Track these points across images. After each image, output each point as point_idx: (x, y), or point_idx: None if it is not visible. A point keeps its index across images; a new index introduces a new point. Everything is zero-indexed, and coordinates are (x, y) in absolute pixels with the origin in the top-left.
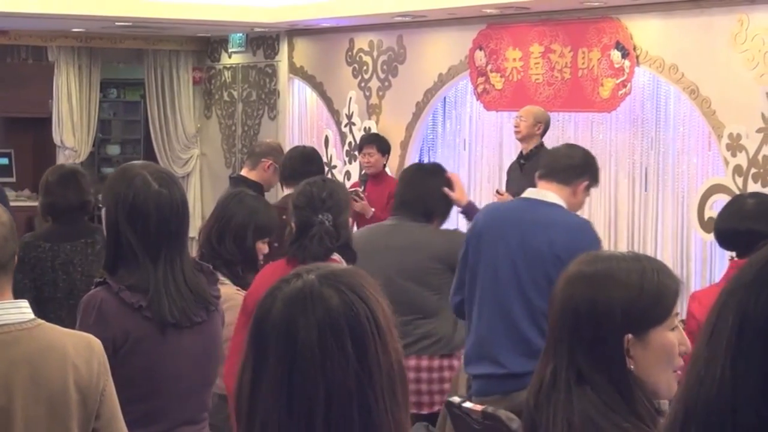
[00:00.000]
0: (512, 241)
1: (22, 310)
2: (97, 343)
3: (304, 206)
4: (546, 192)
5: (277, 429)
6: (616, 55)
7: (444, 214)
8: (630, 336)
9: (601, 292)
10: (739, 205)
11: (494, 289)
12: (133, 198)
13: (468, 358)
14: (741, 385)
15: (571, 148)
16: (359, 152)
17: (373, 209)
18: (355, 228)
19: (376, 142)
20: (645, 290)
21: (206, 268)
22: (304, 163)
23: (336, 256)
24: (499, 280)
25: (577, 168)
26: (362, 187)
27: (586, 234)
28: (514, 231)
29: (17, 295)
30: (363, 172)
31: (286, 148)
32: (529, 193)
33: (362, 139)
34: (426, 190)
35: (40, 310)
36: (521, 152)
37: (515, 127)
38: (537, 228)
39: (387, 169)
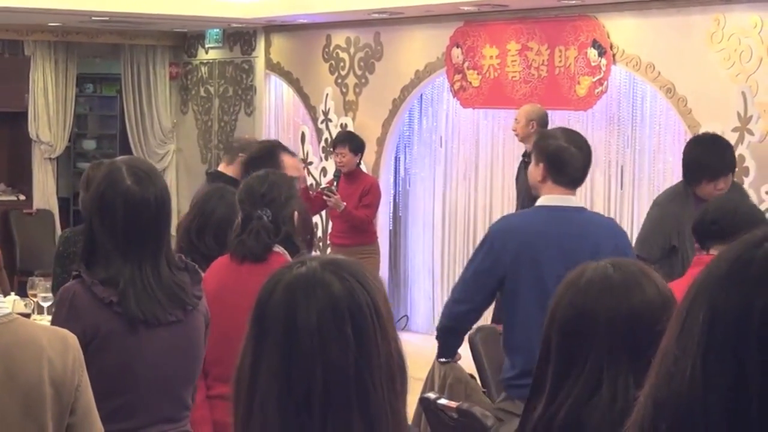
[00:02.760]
0: (556, 258)
1: None
2: (72, 338)
3: (244, 200)
4: (568, 197)
5: (275, 410)
6: (592, 53)
7: None
8: None
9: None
10: (724, 199)
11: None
12: (103, 192)
13: (517, 376)
14: (712, 383)
15: (587, 146)
16: (332, 151)
17: (344, 204)
18: (322, 220)
19: (348, 142)
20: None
21: (191, 267)
22: (266, 157)
23: (279, 249)
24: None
25: (588, 165)
26: (335, 183)
27: (620, 231)
28: (556, 247)
29: (56, 288)
30: (336, 168)
31: None
32: (550, 200)
33: (335, 138)
34: None
35: None
36: (524, 151)
37: (513, 131)
38: (578, 238)
39: (363, 166)
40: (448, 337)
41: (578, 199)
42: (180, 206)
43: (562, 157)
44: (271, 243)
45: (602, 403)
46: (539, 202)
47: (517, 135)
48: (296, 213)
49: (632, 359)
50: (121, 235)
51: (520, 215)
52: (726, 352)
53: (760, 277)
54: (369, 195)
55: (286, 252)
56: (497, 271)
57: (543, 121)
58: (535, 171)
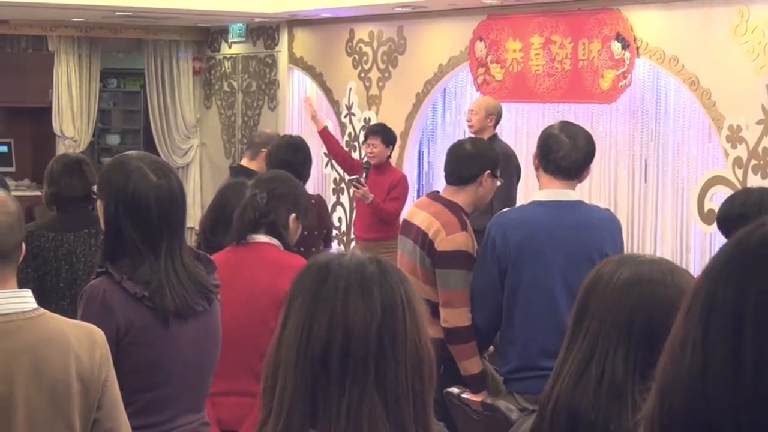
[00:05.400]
0: (559, 252)
1: (24, 300)
2: (99, 333)
3: (252, 185)
4: (565, 191)
5: (293, 368)
6: (616, 46)
7: None
8: None
9: (677, 299)
10: (746, 193)
11: (549, 305)
12: (133, 192)
13: (512, 371)
14: (711, 368)
15: (584, 139)
16: (364, 141)
17: (372, 195)
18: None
19: (381, 134)
20: None
21: (204, 257)
22: (291, 153)
23: (273, 241)
24: (552, 298)
25: (588, 158)
26: (364, 174)
27: (617, 223)
28: (558, 241)
29: (19, 285)
30: (365, 159)
31: None
32: (546, 195)
33: (368, 129)
34: None
35: (42, 300)
36: None
37: (468, 121)
38: (580, 231)
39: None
40: (480, 343)
41: (602, 193)
42: (204, 201)
43: (548, 143)
44: (255, 220)
45: (591, 382)
46: (534, 197)
47: (471, 127)
48: (293, 216)
49: (626, 342)
50: (156, 231)
51: (517, 210)
52: (723, 337)
53: (755, 261)
54: (397, 188)
55: (281, 245)
56: (501, 267)
57: (500, 116)
58: (534, 161)
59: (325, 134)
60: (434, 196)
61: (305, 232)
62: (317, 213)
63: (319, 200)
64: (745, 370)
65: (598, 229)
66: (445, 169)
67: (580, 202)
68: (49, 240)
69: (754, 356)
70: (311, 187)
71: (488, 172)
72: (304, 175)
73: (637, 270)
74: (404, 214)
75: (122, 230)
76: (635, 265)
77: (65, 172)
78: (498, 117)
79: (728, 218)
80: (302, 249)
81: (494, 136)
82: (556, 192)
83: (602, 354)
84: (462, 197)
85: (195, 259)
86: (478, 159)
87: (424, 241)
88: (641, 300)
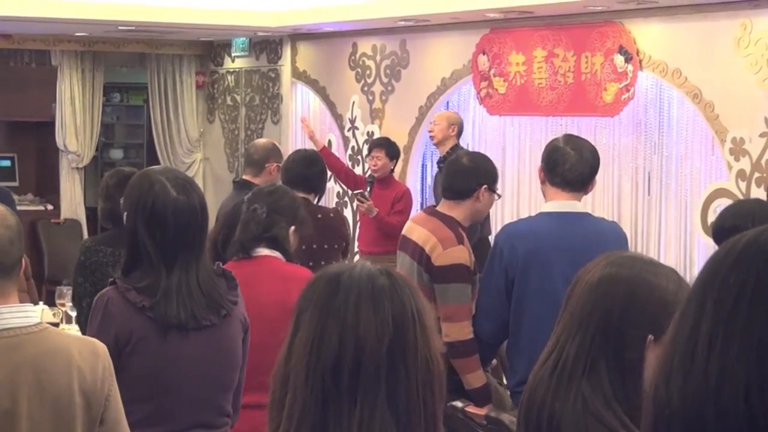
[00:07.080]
0: (566, 262)
1: (27, 314)
2: (102, 348)
3: (250, 199)
4: (571, 203)
5: (303, 380)
6: (619, 59)
7: None
8: (651, 337)
9: (640, 297)
10: (739, 205)
11: (555, 315)
12: (152, 205)
13: (518, 384)
14: (676, 356)
15: (589, 152)
16: (368, 154)
17: (377, 209)
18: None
19: (385, 147)
20: (678, 297)
21: (228, 274)
22: (306, 166)
23: (275, 253)
24: (559, 308)
25: (594, 170)
26: (369, 188)
27: (623, 235)
28: (565, 251)
29: (78, 299)
30: (369, 173)
31: (289, 153)
32: (552, 206)
33: (372, 142)
34: None
35: None
36: (440, 156)
37: (430, 132)
38: (587, 242)
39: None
40: (485, 354)
41: (605, 205)
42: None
43: (554, 156)
44: (258, 234)
45: (549, 366)
46: (542, 209)
47: (433, 137)
48: (293, 228)
49: (593, 346)
50: (170, 245)
51: (524, 221)
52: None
53: (734, 262)
54: (401, 202)
55: (282, 257)
56: (508, 278)
57: (461, 127)
58: (540, 174)
59: (325, 153)
60: (431, 210)
61: (325, 246)
62: (335, 226)
63: (337, 214)
64: (697, 360)
65: (605, 240)
66: (442, 184)
67: (587, 214)
68: (106, 255)
69: (705, 348)
70: None
71: (485, 186)
72: (320, 187)
73: (609, 270)
74: (402, 230)
75: (139, 242)
76: (608, 266)
77: (120, 187)
78: (460, 128)
79: (722, 230)
80: (322, 263)
81: (456, 146)
82: (563, 204)
83: (564, 342)
84: (459, 212)
85: (220, 275)
86: (474, 173)
87: (421, 256)
88: (605, 296)
